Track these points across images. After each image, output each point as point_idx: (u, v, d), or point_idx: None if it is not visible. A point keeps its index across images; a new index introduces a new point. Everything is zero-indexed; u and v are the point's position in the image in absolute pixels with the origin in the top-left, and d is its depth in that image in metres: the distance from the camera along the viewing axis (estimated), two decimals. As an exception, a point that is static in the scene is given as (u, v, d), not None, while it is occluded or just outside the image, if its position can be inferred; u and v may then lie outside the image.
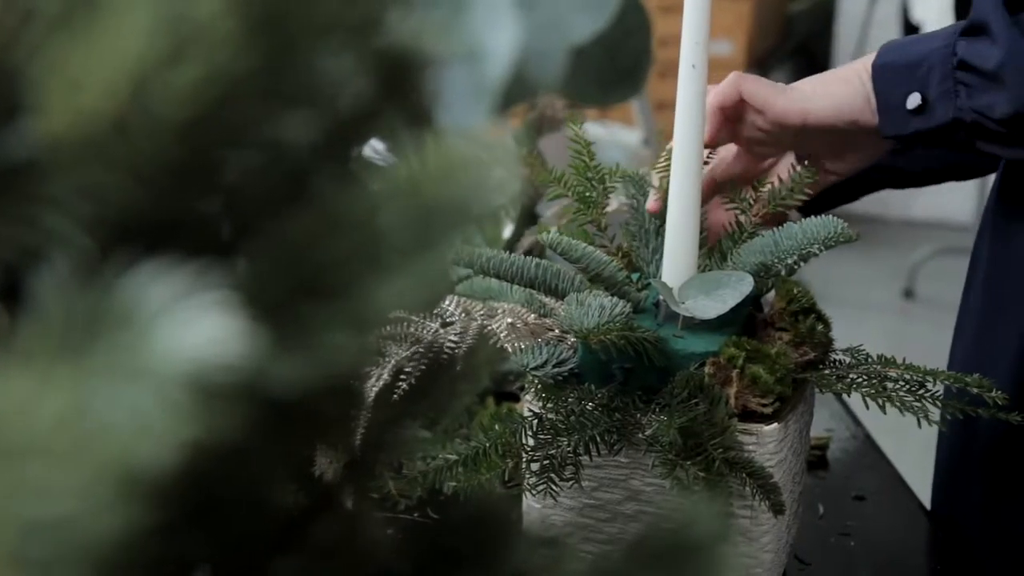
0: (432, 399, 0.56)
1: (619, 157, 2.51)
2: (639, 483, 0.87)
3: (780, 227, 0.93)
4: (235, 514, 0.31)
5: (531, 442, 0.86)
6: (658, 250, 0.94)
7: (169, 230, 0.26)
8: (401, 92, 0.34)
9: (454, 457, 0.86)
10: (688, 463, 0.81)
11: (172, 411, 0.24)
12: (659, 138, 2.78)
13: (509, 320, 0.94)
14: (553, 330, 0.93)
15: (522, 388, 0.89)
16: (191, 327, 0.24)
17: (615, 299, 0.86)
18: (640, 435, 0.84)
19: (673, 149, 0.91)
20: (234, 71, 0.24)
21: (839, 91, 0.94)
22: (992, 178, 1.08)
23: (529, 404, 0.88)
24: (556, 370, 0.86)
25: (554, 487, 0.85)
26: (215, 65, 0.23)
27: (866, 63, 0.94)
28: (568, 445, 0.84)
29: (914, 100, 0.91)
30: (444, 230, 0.26)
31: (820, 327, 0.91)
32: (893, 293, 3.75)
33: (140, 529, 0.24)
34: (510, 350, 0.90)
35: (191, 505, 0.28)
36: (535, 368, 0.86)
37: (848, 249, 1.12)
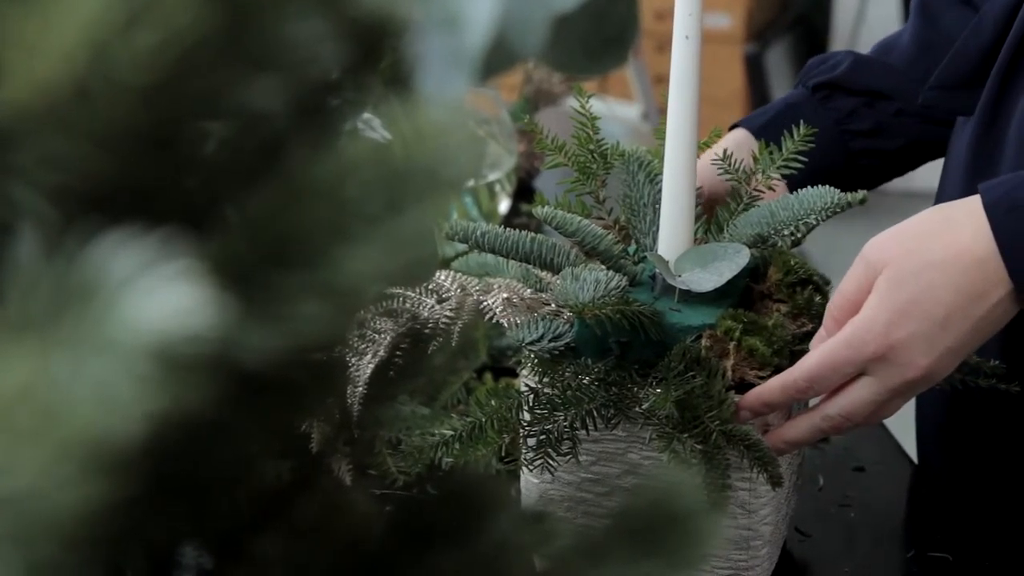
0: (428, 375, 0.55)
1: (618, 132, 2.50)
2: (637, 457, 0.87)
3: (778, 198, 0.92)
4: (212, 489, 0.31)
5: (527, 417, 0.85)
6: (655, 222, 0.93)
7: (135, 199, 0.26)
8: (377, 58, 0.34)
9: (451, 433, 0.86)
10: (685, 436, 0.81)
11: (139, 383, 0.23)
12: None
13: (505, 295, 0.94)
14: (549, 304, 0.93)
15: (519, 363, 0.89)
16: (158, 297, 0.24)
17: (610, 273, 0.85)
18: (637, 409, 0.84)
19: (667, 120, 0.90)
20: (195, 34, 0.23)
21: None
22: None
23: (526, 379, 0.88)
24: (552, 344, 0.85)
25: (551, 462, 0.84)
26: (175, 28, 0.23)
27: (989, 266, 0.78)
28: (565, 420, 0.84)
29: None
30: (417, 195, 0.25)
31: (818, 298, 0.91)
32: (896, 266, 3.73)
33: (108, 504, 0.23)
34: (506, 325, 0.90)
35: (165, 481, 0.27)
36: (531, 343, 0.85)
37: (850, 221, 1.11)
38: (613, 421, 0.85)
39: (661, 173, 0.92)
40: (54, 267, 0.24)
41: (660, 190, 0.92)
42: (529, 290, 0.95)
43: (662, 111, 0.93)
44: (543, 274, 0.95)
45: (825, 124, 1.08)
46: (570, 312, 0.86)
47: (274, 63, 0.26)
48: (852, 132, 1.10)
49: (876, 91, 1.10)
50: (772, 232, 0.91)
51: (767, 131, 1.03)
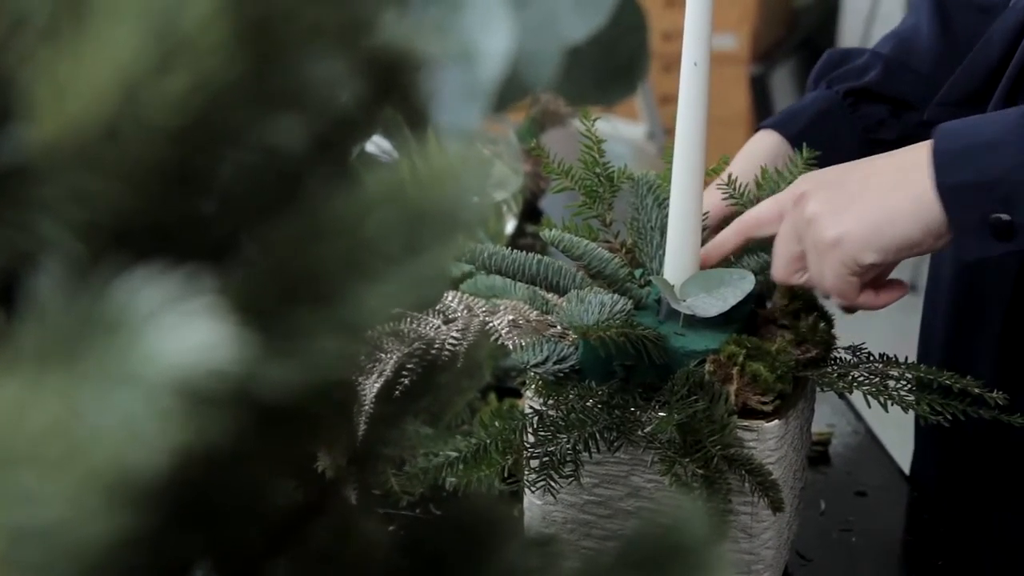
0: (434, 396, 0.56)
1: (623, 151, 2.51)
2: (639, 479, 0.88)
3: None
4: (229, 517, 0.31)
5: (531, 439, 0.86)
6: (662, 246, 0.94)
7: (160, 235, 0.26)
8: (395, 94, 0.34)
9: (455, 454, 0.86)
10: (687, 460, 0.81)
11: (163, 416, 0.24)
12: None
13: (510, 317, 0.94)
14: (555, 327, 0.93)
15: (524, 384, 0.90)
16: (182, 332, 0.24)
17: (616, 296, 0.86)
18: (640, 432, 0.84)
19: (675, 146, 0.90)
20: (223, 78, 0.24)
21: (900, 231, 0.84)
22: None
23: (530, 401, 0.88)
24: (557, 367, 0.86)
25: (553, 484, 0.85)
26: (204, 72, 0.23)
27: (924, 177, 0.83)
28: (568, 442, 0.84)
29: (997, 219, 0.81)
30: (435, 236, 0.26)
31: (822, 324, 0.91)
32: (898, 287, 3.73)
33: (132, 534, 0.24)
34: (511, 347, 0.90)
35: (184, 509, 0.28)
36: (536, 365, 0.86)
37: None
38: (616, 444, 0.85)
39: (669, 197, 0.93)
40: (81, 301, 0.24)
41: (668, 214, 0.93)
42: (535, 312, 0.95)
43: (668, 131, 0.94)
44: (549, 296, 0.95)
45: (854, 132, 1.09)
46: (575, 334, 0.86)
47: (297, 101, 0.27)
48: (879, 142, 1.10)
49: (903, 101, 1.10)
50: (778, 259, 0.91)
51: (803, 138, 1.04)
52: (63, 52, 0.23)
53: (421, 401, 0.56)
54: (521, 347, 0.88)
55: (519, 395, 1.05)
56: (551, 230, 0.93)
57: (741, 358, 0.84)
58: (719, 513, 0.81)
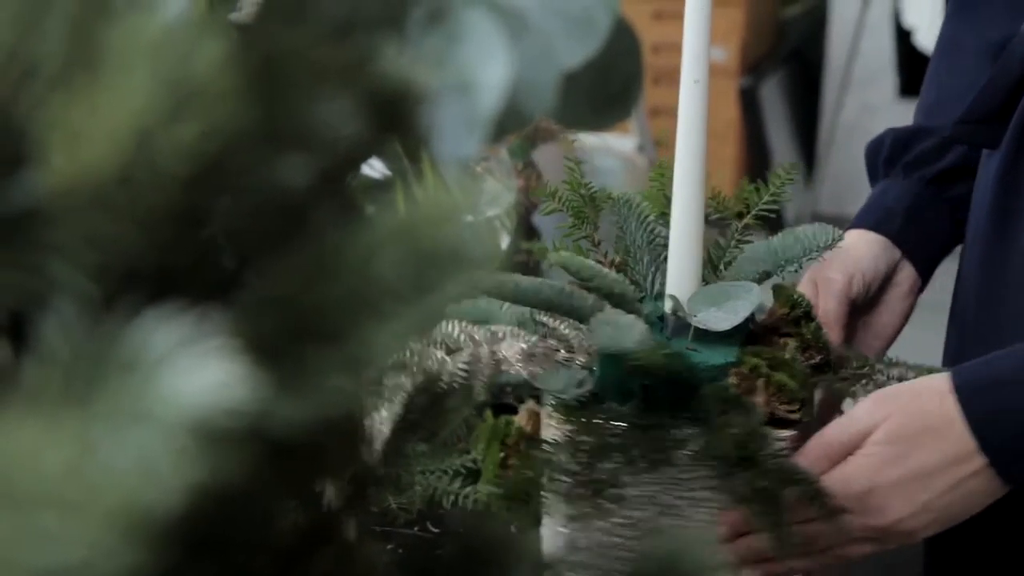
0: (442, 429, 0.56)
1: (614, 165, 2.51)
2: (670, 498, 0.86)
3: (778, 235, 0.93)
4: (239, 548, 0.31)
5: (568, 468, 0.84)
6: (652, 264, 0.94)
7: (171, 275, 0.27)
8: (396, 127, 0.35)
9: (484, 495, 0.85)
10: (741, 474, 0.81)
11: (177, 456, 0.24)
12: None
13: (522, 345, 0.93)
14: (559, 351, 0.92)
15: (521, 400, 0.89)
16: (195, 372, 0.24)
17: (634, 317, 0.85)
18: (681, 451, 0.83)
19: (675, 164, 0.91)
20: (235, 123, 0.24)
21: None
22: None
23: (554, 429, 0.87)
24: (577, 391, 0.85)
25: (596, 512, 0.83)
26: (216, 118, 0.24)
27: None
28: (607, 467, 0.83)
29: None
30: (443, 275, 0.26)
31: (823, 331, 0.92)
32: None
33: (146, 570, 0.24)
34: (527, 376, 0.89)
35: (196, 543, 0.28)
36: (558, 391, 0.85)
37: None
38: (657, 465, 0.84)
39: (651, 216, 0.93)
40: (95, 343, 0.25)
41: (652, 231, 0.93)
42: (534, 337, 0.94)
43: (658, 143, 0.94)
44: (546, 319, 0.93)
45: (944, 217, 1.11)
46: (600, 358, 0.85)
47: (303, 141, 0.27)
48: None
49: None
50: (776, 269, 0.92)
51: (905, 236, 1.08)
52: (77, 99, 0.24)
53: (429, 434, 0.55)
54: (542, 376, 0.87)
55: (514, 411, 1.04)
56: (560, 253, 0.93)
57: (765, 369, 0.85)
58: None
